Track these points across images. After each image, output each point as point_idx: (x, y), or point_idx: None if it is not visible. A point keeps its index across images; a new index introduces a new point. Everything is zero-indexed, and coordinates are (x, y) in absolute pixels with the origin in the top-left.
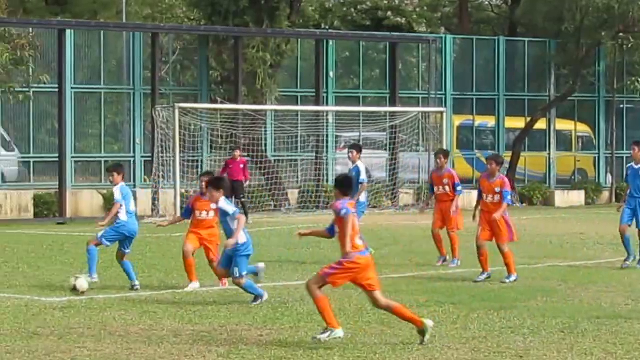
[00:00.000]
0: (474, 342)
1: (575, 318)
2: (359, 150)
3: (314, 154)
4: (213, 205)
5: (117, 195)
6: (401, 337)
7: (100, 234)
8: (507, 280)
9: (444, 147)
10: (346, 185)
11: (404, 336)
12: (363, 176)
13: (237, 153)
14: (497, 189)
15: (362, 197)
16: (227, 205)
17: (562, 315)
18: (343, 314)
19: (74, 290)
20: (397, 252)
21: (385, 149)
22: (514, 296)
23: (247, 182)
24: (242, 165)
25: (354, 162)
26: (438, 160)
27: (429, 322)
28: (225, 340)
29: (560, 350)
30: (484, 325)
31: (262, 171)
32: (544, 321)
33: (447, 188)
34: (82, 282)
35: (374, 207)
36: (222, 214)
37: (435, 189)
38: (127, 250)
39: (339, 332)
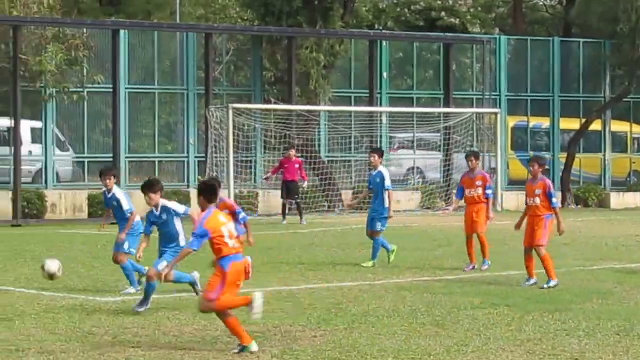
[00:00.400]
0: (528, 345)
1: (631, 321)
2: (381, 155)
3: (368, 155)
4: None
5: (128, 204)
6: (455, 339)
7: (126, 247)
8: (546, 286)
9: (499, 149)
10: (211, 191)
11: (458, 338)
12: (388, 182)
13: (292, 152)
14: (538, 191)
15: (386, 202)
16: (176, 205)
17: (618, 317)
18: (397, 316)
19: (44, 271)
20: (451, 254)
21: (439, 150)
22: (569, 298)
23: (306, 183)
24: (297, 166)
25: (375, 168)
26: (470, 163)
27: (253, 347)
28: (279, 341)
29: (615, 353)
30: (538, 328)
31: (316, 172)
32: (600, 324)
33: (479, 191)
34: (50, 265)
35: (428, 208)
36: (168, 213)
37: (467, 191)
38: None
39: (254, 347)
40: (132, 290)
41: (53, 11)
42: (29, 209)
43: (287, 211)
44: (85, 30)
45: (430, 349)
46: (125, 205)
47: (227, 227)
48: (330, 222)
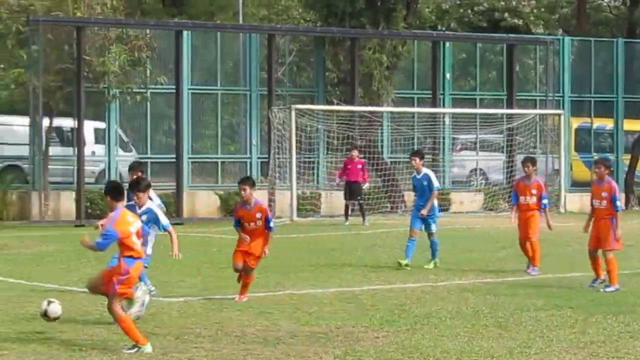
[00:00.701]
0: (592, 347)
1: None
2: (422, 157)
3: (430, 156)
4: (258, 215)
5: (158, 199)
6: (518, 340)
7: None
8: (604, 290)
9: (562, 150)
10: (117, 191)
11: (521, 339)
12: (436, 184)
13: (355, 153)
14: (605, 194)
15: (435, 203)
16: (163, 216)
17: None
18: (460, 317)
19: (45, 316)
20: (514, 256)
21: (502, 151)
22: (633, 300)
23: (367, 184)
24: (360, 166)
25: (418, 171)
26: (526, 169)
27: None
28: (342, 342)
29: None
30: (602, 330)
31: (379, 173)
32: None
33: (533, 199)
34: (55, 308)
35: (491, 209)
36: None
37: (521, 198)
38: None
39: (148, 348)
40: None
41: (116, 12)
42: (92, 209)
43: (349, 212)
44: (148, 31)
45: (492, 350)
46: (156, 201)
47: (134, 226)
48: (392, 223)
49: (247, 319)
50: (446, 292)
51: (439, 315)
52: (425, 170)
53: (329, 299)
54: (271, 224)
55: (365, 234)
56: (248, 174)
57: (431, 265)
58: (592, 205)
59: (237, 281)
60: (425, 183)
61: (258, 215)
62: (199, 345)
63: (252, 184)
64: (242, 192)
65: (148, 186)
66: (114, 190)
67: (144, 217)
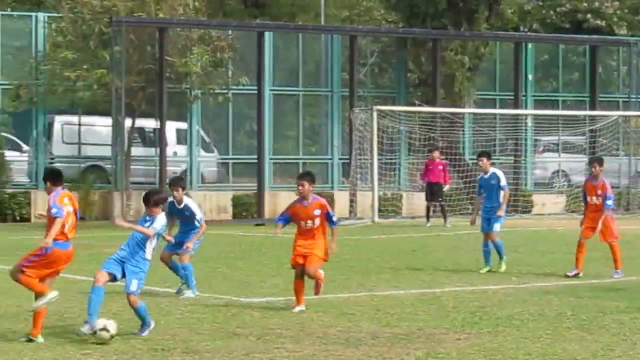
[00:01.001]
0: None
1: None
2: (489, 157)
3: (512, 158)
4: (317, 212)
5: (200, 213)
6: (601, 343)
7: (191, 249)
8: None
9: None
10: (56, 176)
11: (604, 342)
12: (504, 182)
13: (436, 154)
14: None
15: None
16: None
17: None
18: (542, 319)
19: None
20: (596, 258)
21: (585, 153)
22: None
23: (447, 186)
24: (440, 167)
25: (485, 170)
26: (593, 169)
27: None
28: (423, 343)
29: None
30: None
31: (460, 174)
32: None
33: (600, 199)
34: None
35: (573, 211)
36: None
37: (588, 198)
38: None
39: (39, 339)
40: (190, 294)
41: (198, 13)
42: None
43: (431, 213)
44: (230, 32)
45: (575, 353)
46: (199, 215)
47: (67, 209)
48: (474, 225)
49: (329, 319)
50: (528, 295)
51: (521, 318)
52: (492, 169)
53: (410, 300)
54: (334, 219)
55: (447, 235)
56: (329, 175)
57: (503, 267)
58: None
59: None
60: (493, 182)
61: (316, 212)
62: (280, 345)
63: (312, 180)
64: (300, 188)
65: (156, 203)
66: (53, 176)
67: (187, 213)
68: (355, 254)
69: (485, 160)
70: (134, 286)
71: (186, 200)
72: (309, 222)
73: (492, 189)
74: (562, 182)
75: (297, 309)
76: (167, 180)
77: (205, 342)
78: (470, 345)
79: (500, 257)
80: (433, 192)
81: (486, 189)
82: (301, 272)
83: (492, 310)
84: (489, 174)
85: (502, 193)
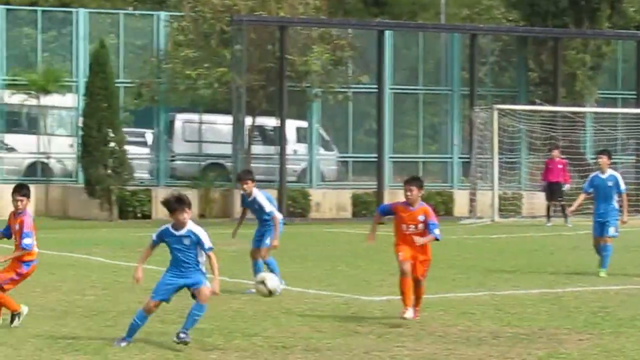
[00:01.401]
0: None
1: None
2: (610, 156)
3: (634, 157)
4: (421, 217)
5: (269, 206)
6: None
7: (268, 242)
8: None
9: None
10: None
11: None
12: (623, 186)
13: (556, 153)
14: None
15: (616, 205)
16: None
17: None
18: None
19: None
20: None
21: None
22: None
23: (567, 185)
24: (560, 166)
25: (603, 170)
26: None
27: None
28: (545, 343)
29: None
30: None
31: (581, 174)
32: None
33: None
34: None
35: None
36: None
37: None
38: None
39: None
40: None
41: (319, 12)
42: (294, 207)
43: (551, 213)
44: (350, 30)
45: None
46: (267, 208)
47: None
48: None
49: (450, 318)
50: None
51: None
52: (611, 171)
53: (531, 300)
54: (436, 232)
55: (567, 235)
56: (449, 174)
57: (602, 274)
58: None
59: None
60: (610, 184)
61: (421, 217)
62: (401, 344)
63: (421, 186)
64: (408, 194)
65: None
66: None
67: (256, 207)
68: (475, 253)
69: (605, 158)
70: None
71: (255, 194)
72: (411, 226)
73: (609, 191)
74: None
75: (407, 314)
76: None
77: (326, 340)
78: (592, 346)
79: (603, 265)
80: (553, 191)
81: (601, 189)
82: (408, 268)
83: (614, 311)
84: (606, 175)
85: (622, 197)
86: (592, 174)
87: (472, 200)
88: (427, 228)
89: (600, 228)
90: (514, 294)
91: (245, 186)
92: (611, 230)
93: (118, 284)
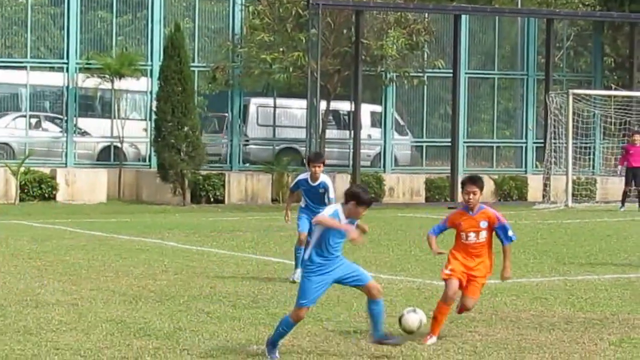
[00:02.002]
0: None
1: None
2: None
3: None
4: (483, 224)
5: (333, 192)
6: None
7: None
8: None
9: None
10: None
11: None
12: None
13: (637, 137)
14: None
15: None
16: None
17: None
18: None
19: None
20: None
21: None
22: None
23: None
24: None
25: None
26: None
27: None
28: (617, 328)
29: None
30: None
31: None
32: None
33: None
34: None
35: None
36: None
37: None
38: None
39: None
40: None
41: None
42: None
43: (626, 198)
44: (426, 15)
45: None
46: (332, 193)
47: None
48: None
49: (522, 303)
50: None
51: None
52: None
53: (604, 285)
54: (510, 233)
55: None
56: (523, 159)
57: None
58: None
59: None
60: None
61: (483, 224)
62: (473, 329)
63: (483, 187)
64: (470, 197)
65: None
66: None
67: (322, 190)
68: (548, 238)
69: None
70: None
71: (323, 178)
72: (471, 235)
73: None
74: None
75: (430, 341)
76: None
77: (398, 325)
78: None
79: None
80: (635, 176)
81: None
82: (453, 294)
83: None
84: None
85: None
86: None
87: (545, 185)
88: (497, 234)
89: None
90: (587, 279)
91: (317, 169)
92: None
93: (190, 268)
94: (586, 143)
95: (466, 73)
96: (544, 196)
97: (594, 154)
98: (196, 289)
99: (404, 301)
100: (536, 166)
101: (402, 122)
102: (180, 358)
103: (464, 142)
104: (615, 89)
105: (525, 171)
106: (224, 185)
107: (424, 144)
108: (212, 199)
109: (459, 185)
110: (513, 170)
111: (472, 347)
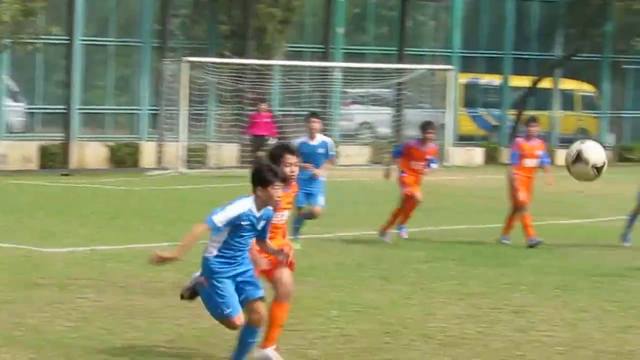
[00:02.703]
0: (472, 298)
1: (573, 275)
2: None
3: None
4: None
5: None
6: (400, 292)
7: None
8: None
9: (450, 105)
10: None
11: (403, 291)
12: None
13: (264, 106)
14: (538, 152)
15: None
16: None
17: (561, 272)
18: (344, 269)
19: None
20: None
21: (391, 106)
22: (515, 253)
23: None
24: (268, 120)
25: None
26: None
27: None
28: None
29: (556, 307)
30: (483, 282)
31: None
32: (542, 278)
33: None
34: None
35: (377, 162)
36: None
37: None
38: None
39: None
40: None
41: None
42: None
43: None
44: None
45: (375, 302)
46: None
47: None
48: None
49: (132, 269)
50: (330, 245)
51: (323, 267)
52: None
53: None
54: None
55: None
56: (137, 126)
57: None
58: (523, 164)
59: None
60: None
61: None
62: (83, 295)
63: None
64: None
65: None
66: None
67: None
68: (159, 204)
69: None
70: None
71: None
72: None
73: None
74: (367, 134)
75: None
76: None
77: (6, 292)
78: None
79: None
80: (258, 144)
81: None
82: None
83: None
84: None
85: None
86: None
87: (159, 152)
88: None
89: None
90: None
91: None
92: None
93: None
94: (200, 110)
95: (82, 40)
96: (158, 163)
97: (207, 121)
98: None
99: (13, 268)
100: (150, 133)
101: (16, 89)
102: None
103: (78, 109)
104: (229, 57)
105: (140, 138)
106: None
107: (38, 111)
108: None
109: (73, 152)
110: (127, 137)
111: (82, 313)
